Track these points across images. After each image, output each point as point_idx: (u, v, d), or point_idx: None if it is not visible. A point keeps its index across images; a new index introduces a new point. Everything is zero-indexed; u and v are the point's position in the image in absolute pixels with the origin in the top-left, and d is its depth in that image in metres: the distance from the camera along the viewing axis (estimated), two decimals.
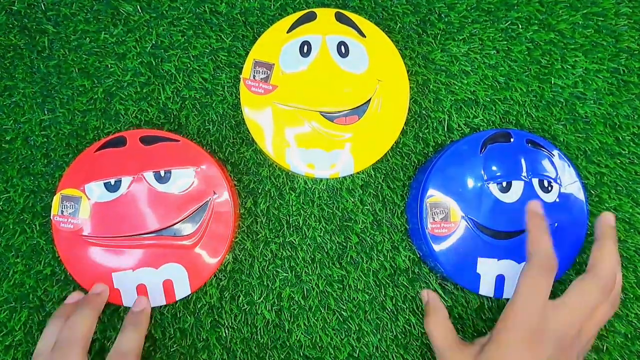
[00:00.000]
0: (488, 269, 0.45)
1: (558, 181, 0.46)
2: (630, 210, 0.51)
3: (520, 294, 0.39)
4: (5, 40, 0.51)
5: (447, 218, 0.44)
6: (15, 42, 0.51)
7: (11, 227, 0.49)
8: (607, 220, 0.43)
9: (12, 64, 0.51)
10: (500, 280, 0.45)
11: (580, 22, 0.52)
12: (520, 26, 0.52)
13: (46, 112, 0.50)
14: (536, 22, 0.52)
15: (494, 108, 0.51)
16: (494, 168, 0.45)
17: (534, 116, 0.51)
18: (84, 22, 0.51)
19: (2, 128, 0.50)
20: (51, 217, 0.46)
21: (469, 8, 0.52)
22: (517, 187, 0.45)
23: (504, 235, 0.45)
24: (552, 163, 0.46)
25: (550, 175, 0.46)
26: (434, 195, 0.45)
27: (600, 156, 0.51)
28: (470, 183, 0.45)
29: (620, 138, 0.51)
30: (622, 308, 0.50)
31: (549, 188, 0.46)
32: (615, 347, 0.49)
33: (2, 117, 0.50)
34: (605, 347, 0.49)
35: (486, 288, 0.45)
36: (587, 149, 0.51)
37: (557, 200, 0.46)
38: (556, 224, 0.46)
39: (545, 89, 0.52)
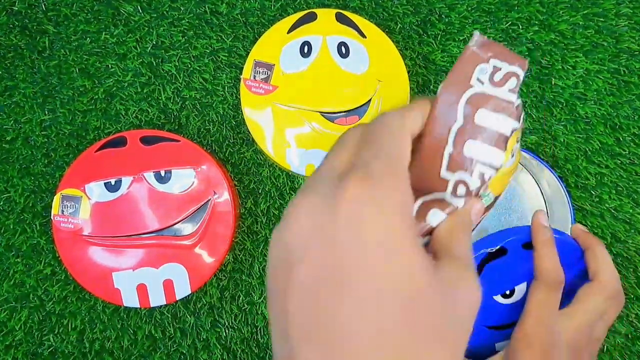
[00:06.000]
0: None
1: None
2: (631, 210, 0.51)
3: (531, 312, 0.40)
4: (6, 41, 0.51)
5: None
6: (15, 43, 0.51)
7: (11, 226, 0.49)
8: (581, 228, 0.46)
9: (13, 64, 0.51)
10: None
11: (580, 23, 0.52)
12: (520, 27, 0.52)
13: (47, 112, 0.50)
14: (536, 22, 0.52)
15: None
16: (496, 283, 0.44)
17: (534, 116, 0.51)
18: (84, 22, 0.51)
19: (2, 128, 0.50)
20: (51, 217, 0.46)
21: (469, 9, 0.52)
22: (521, 289, 0.44)
23: (516, 323, 0.45)
24: None
25: None
26: None
27: (600, 157, 0.51)
28: None
29: (621, 139, 0.51)
30: (623, 308, 0.49)
31: None
32: (616, 347, 0.49)
33: (3, 117, 0.50)
34: (605, 348, 0.49)
35: None
36: (587, 149, 0.51)
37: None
38: None
39: (545, 90, 0.52)
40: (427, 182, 0.26)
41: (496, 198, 0.28)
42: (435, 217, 0.25)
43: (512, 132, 0.26)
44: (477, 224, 0.28)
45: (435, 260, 0.23)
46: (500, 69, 0.26)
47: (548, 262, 0.41)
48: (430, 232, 0.26)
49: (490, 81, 0.26)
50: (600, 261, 0.42)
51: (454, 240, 0.25)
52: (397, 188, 0.22)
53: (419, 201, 0.26)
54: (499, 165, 0.25)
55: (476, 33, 0.26)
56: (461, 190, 0.26)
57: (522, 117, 0.26)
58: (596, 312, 0.40)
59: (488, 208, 0.28)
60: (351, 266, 0.20)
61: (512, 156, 0.27)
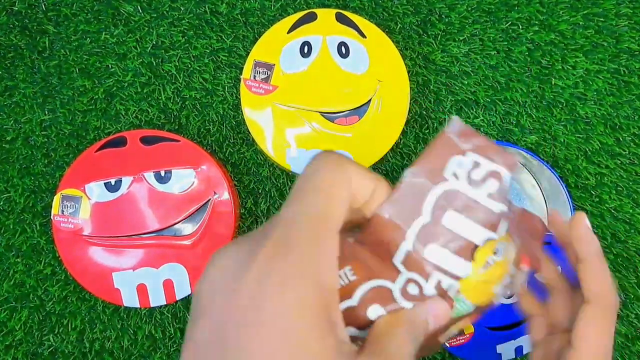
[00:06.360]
0: (507, 348, 0.47)
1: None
2: (631, 210, 0.51)
3: (590, 347, 0.30)
4: (6, 41, 0.51)
5: (461, 332, 0.46)
6: (16, 43, 0.51)
7: (11, 226, 0.49)
8: (583, 224, 0.32)
9: (13, 64, 0.51)
10: (519, 350, 0.48)
11: (580, 23, 0.52)
12: (520, 27, 0.52)
13: (47, 112, 0.50)
14: (537, 22, 0.52)
15: (494, 109, 0.51)
16: None
17: (534, 117, 0.51)
18: (84, 22, 0.51)
19: (2, 128, 0.50)
20: (51, 217, 0.46)
21: (469, 9, 0.52)
22: None
23: (517, 324, 0.46)
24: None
25: None
26: None
27: (600, 157, 0.51)
28: None
29: (621, 139, 0.51)
30: (623, 309, 0.49)
31: None
32: (616, 347, 0.49)
33: (3, 117, 0.50)
34: None
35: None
36: (587, 149, 0.51)
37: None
38: None
39: (545, 90, 0.52)
40: (378, 263, 0.22)
41: (479, 308, 0.23)
42: (374, 312, 0.22)
43: (485, 242, 0.22)
44: (446, 333, 0.24)
45: (358, 354, 0.20)
46: (479, 165, 0.22)
47: (605, 279, 0.30)
48: (370, 324, 0.22)
49: (468, 179, 0.22)
50: (603, 277, 0.31)
51: (389, 334, 0.21)
52: (312, 261, 0.19)
53: (366, 286, 0.22)
54: (463, 276, 0.22)
55: (455, 117, 0.22)
56: (413, 290, 0.22)
57: (504, 227, 0.22)
58: (610, 345, 0.30)
59: (467, 316, 0.23)
60: (241, 338, 0.18)
61: (485, 267, 0.22)
